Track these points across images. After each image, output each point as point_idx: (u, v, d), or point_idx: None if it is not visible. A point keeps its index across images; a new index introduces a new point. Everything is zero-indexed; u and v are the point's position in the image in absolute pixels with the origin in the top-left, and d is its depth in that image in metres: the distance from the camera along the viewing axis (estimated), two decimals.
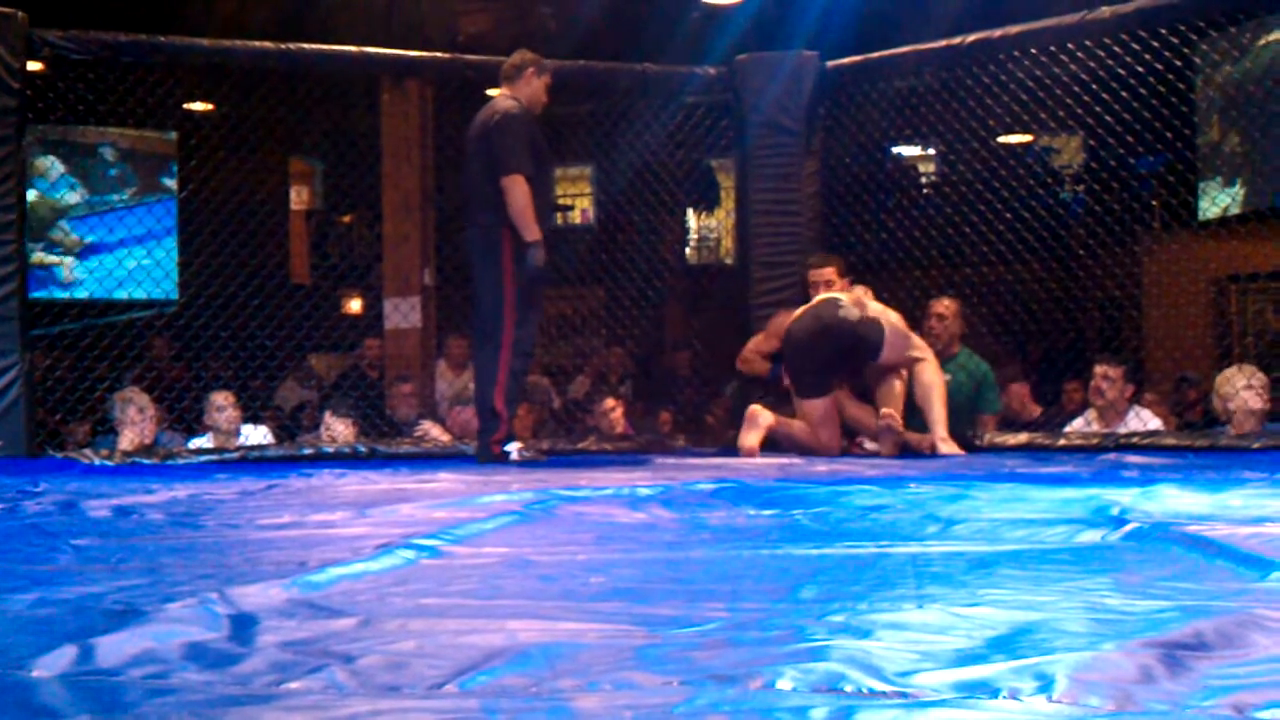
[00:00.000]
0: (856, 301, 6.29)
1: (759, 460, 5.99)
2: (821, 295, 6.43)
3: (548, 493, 3.75)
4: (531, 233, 5.72)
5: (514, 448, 5.82)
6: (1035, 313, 7.97)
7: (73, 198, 7.01)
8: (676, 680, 1.46)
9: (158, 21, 7.53)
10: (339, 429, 6.90)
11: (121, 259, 7.13)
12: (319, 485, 4.68)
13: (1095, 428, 6.54)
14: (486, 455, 5.86)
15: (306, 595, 2.07)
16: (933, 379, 6.23)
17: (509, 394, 5.84)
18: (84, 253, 7.04)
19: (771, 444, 6.39)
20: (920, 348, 6.32)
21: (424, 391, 8.23)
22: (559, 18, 10.73)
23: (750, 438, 6.30)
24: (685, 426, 7.93)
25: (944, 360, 6.86)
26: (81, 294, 7.11)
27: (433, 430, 7.31)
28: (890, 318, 6.29)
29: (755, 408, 6.43)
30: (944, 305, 6.93)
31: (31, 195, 6.74)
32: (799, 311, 6.45)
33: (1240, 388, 6.08)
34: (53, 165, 6.96)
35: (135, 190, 7.19)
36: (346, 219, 12.37)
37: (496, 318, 5.82)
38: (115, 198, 7.13)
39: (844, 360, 6.21)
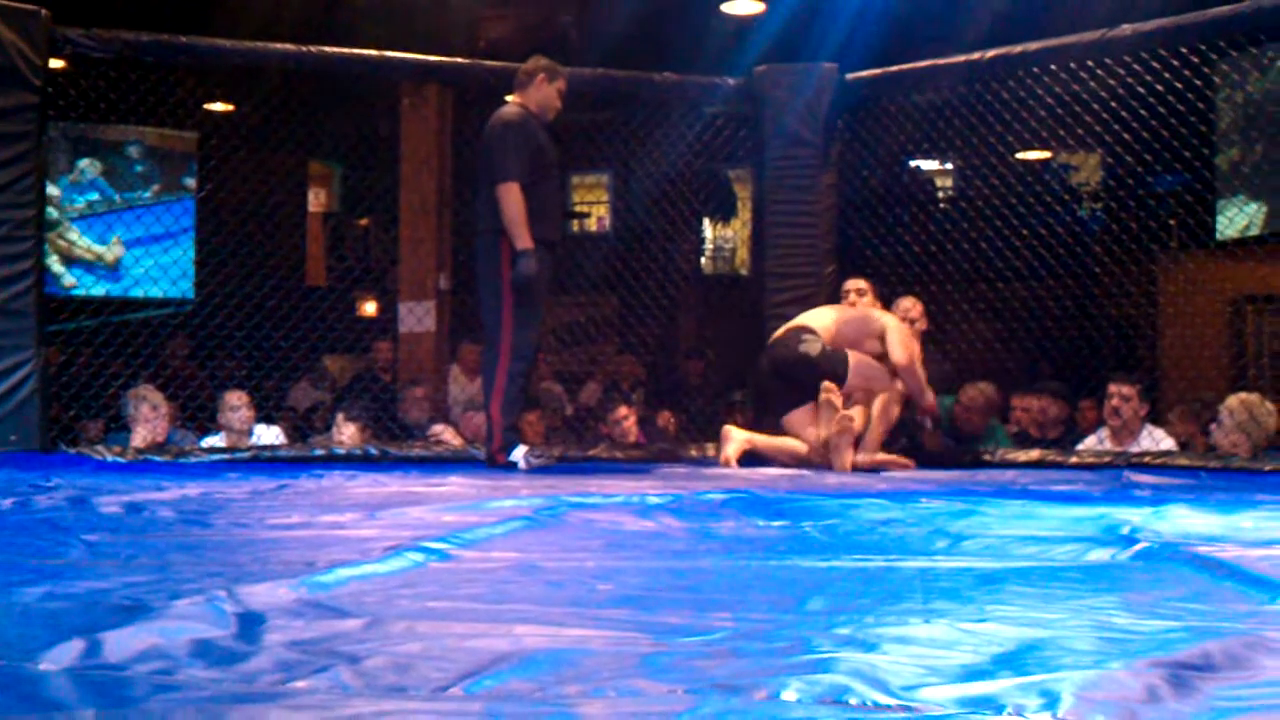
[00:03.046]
0: (844, 323, 6.36)
1: (773, 471, 5.99)
2: (793, 324, 6.48)
3: (557, 499, 3.76)
4: (522, 241, 5.74)
5: (521, 454, 5.82)
6: (1050, 330, 7.93)
7: (95, 198, 7.03)
8: (681, 689, 1.46)
9: (187, 23, 7.55)
10: (348, 431, 6.92)
11: (139, 257, 7.17)
12: (329, 486, 4.69)
13: (1109, 446, 6.52)
14: (493, 462, 5.88)
15: (314, 595, 2.07)
16: (887, 406, 6.29)
17: (507, 398, 5.85)
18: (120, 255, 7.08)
19: (761, 459, 6.40)
20: (886, 380, 6.33)
21: (436, 396, 8.24)
22: (581, 27, 10.74)
23: (728, 449, 6.34)
24: (696, 436, 7.92)
25: None
26: (99, 291, 7.13)
27: (445, 434, 7.32)
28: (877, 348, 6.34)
29: (727, 428, 6.53)
30: (905, 306, 6.95)
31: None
32: (773, 337, 6.55)
33: (1243, 418, 6.09)
34: (85, 169, 6.99)
35: (158, 188, 7.22)
36: (363, 222, 12.40)
37: (496, 324, 5.86)
38: (137, 195, 7.16)
39: (806, 388, 6.23)
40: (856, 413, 6.23)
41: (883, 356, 6.39)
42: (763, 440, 6.44)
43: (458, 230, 8.86)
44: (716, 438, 7.51)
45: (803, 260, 7.32)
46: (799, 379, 6.25)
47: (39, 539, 2.91)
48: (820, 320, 6.45)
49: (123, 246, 7.09)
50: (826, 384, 6.11)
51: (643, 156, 8.16)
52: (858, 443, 6.18)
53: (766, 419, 6.64)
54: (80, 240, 7.02)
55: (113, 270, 7.11)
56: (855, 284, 6.92)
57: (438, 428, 7.39)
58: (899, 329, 6.45)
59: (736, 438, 6.41)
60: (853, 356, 6.27)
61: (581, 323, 10.13)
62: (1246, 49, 6.51)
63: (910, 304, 6.92)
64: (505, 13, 10.87)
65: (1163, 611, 2.01)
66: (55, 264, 6.88)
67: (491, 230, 5.87)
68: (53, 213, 6.84)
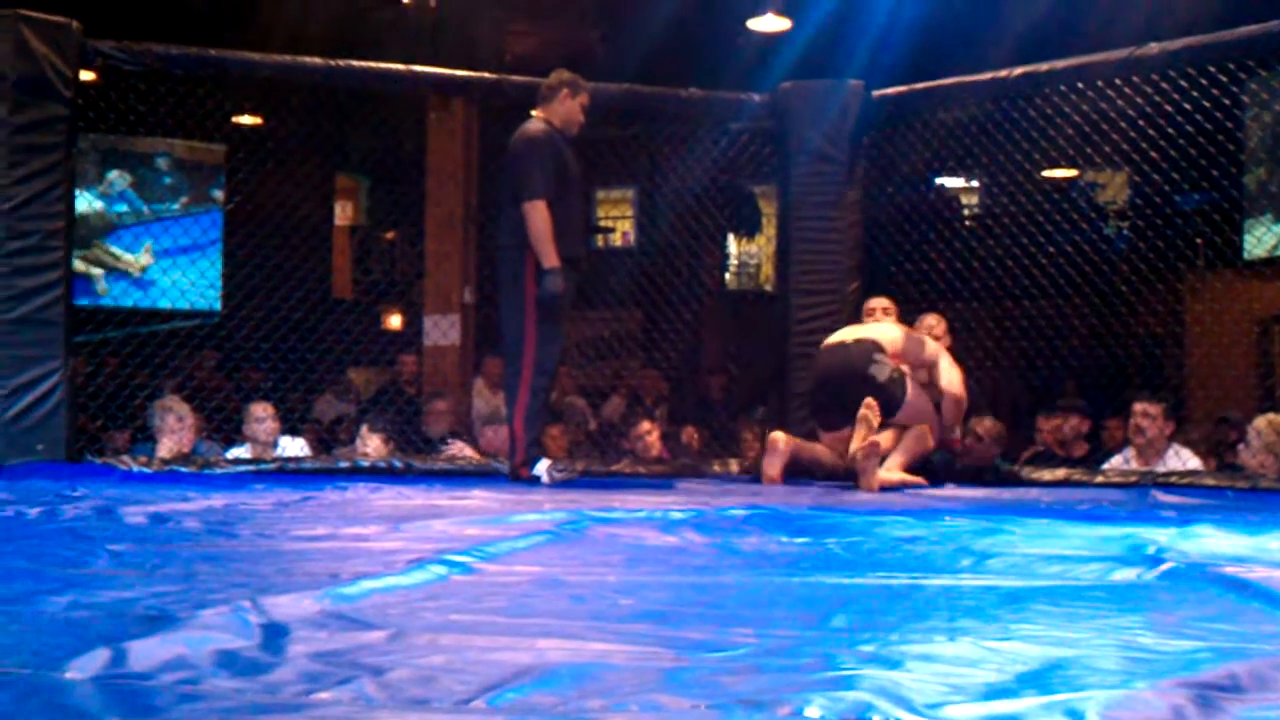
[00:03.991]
0: (906, 346, 6.30)
1: (796, 488, 5.96)
2: (861, 333, 6.41)
3: (580, 513, 3.76)
4: (549, 259, 5.74)
5: (544, 468, 5.81)
6: (1077, 348, 7.90)
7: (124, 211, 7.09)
8: (704, 704, 1.46)
9: (216, 36, 7.61)
10: (373, 442, 6.93)
11: (166, 269, 7.22)
12: (354, 499, 4.70)
13: (1134, 465, 6.49)
14: (516, 476, 5.88)
15: (338, 607, 2.08)
16: (922, 436, 6.26)
17: (529, 413, 5.84)
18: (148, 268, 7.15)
19: (797, 468, 6.36)
20: (931, 420, 6.31)
21: (460, 409, 8.26)
22: (608, 42, 10.78)
23: (773, 466, 6.25)
24: (720, 451, 7.91)
25: None
26: (128, 302, 7.18)
27: (466, 450, 7.32)
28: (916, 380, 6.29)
29: (776, 435, 6.39)
30: (929, 323, 6.94)
31: (85, 205, 6.83)
32: (835, 339, 6.43)
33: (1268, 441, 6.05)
34: (115, 181, 7.05)
35: (186, 200, 7.27)
36: (389, 235, 12.45)
37: (519, 339, 5.85)
38: (166, 207, 7.22)
39: (859, 406, 6.13)
40: (886, 436, 6.18)
41: (926, 385, 6.36)
42: (805, 452, 6.38)
43: (482, 244, 8.89)
44: (739, 454, 7.51)
45: (827, 277, 7.30)
46: (857, 398, 6.04)
47: (65, 548, 2.93)
48: (888, 336, 6.32)
49: (152, 255, 7.14)
50: (869, 400, 6.02)
51: (668, 172, 8.16)
52: (883, 460, 6.13)
53: (810, 422, 6.57)
54: (109, 248, 7.08)
55: (140, 278, 7.16)
56: (880, 302, 6.87)
57: (457, 445, 7.39)
58: (951, 363, 6.46)
59: (782, 449, 6.27)
60: (910, 393, 6.19)
61: (606, 337, 10.13)
62: (1275, 68, 6.49)
63: (935, 320, 6.91)
64: (532, 28, 10.93)
65: (1189, 632, 1.99)
66: (91, 268, 6.93)
67: (515, 245, 5.87)
68: (105, 208, 6.93)
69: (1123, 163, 8.72)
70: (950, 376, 6.39)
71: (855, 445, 5.96)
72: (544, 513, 3.84)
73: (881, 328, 6.46)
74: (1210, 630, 2.02)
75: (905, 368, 6.25)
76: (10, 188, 6.19)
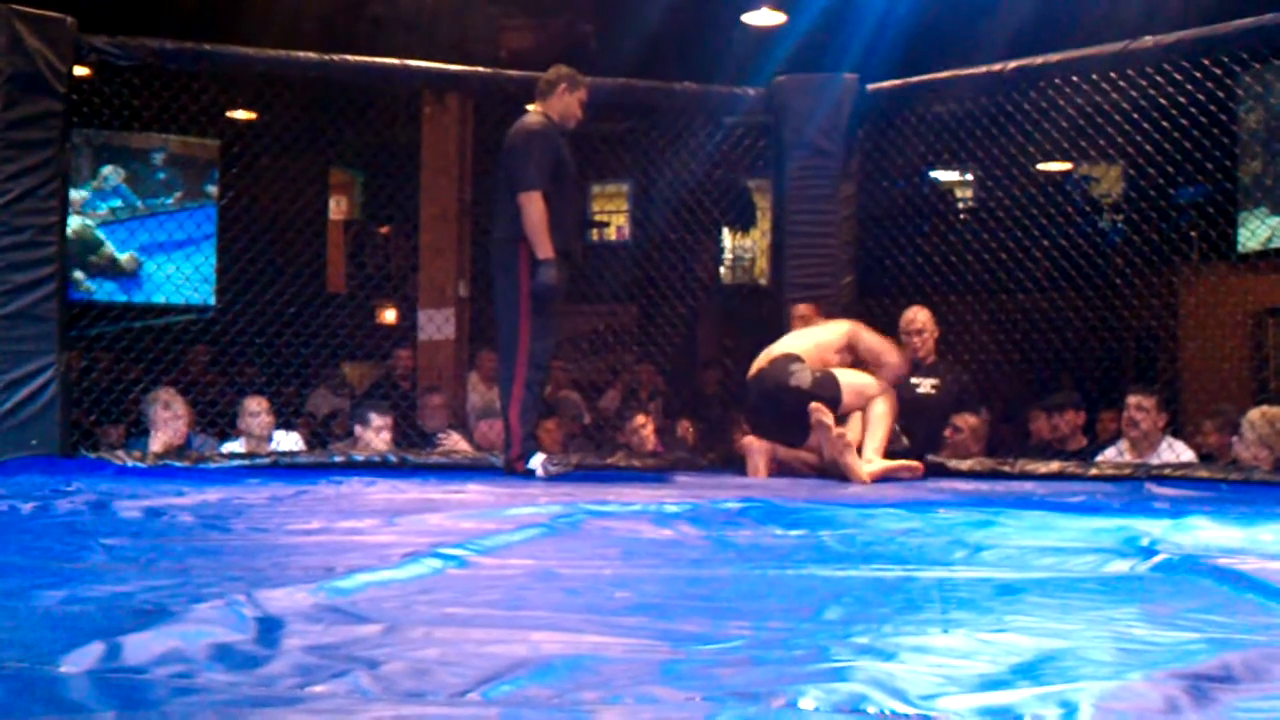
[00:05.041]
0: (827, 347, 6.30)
1: (791, 480, 5.96)
2: (775, 351, 6.40)
3: (575, 507, 3.76)
4: (544, 250, 5.74)
5: (539, 462, 5.81)
6: (1071, 342, 7.90)
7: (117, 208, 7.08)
8: (699, 696, 1.46)
9: (210, 31, 7.59)
10: (377, 423, 6.91)
11: (161, 264, 7.21)
12: (348, 492, 4.70)
13: (1128, 458, 6.50)
14: (511, 470, 5.89)
15: (333, 600, 2.08)
16: (882, 410, 6.21)
17: (524, 406, 5.85)
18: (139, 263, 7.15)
19: (783, 468, 6.36)
20: (878, 388, 6.26)
21: (455, 403, 8.25)
22: (602, 37, 10.76)
23: (757, 463, 6.25)
24: (715, 444, 7.91)
25: (928, 370, 6.88)
26: (122, 298, 7.17)
27: (462, 443, 7.32)
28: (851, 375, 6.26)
29: (748, 440, 6.40)
30: (919, 320, 6.91)
31: (75, 223, 6.81)
32: (756, 366, 6.42)
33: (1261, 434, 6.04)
34: (109, 177, 7.04)
35: (181, 195, 7.27)
36: (384, 230, 12.43)
37: (512, 332, 5.86)
38: (160, 202, 7.21)
39: (802, 417, 6.10)
40: (853, 424, 6.17)
41: (858, 364, 6.35)
42: (783, 450, 6.39)
43: (477, 238, 8.88)
44: (734, 447, 7.49)
45: (822, 271, 7.31)
46: (797, 412, 6.08)
47: (60, 543, 2.93)
48: (801, 344, 6.36)
49: (137, 260, 7.14)
50: (814, 405, 6.01)
51: (663, 166, 8.16)
52: (861, 450, 6.12)
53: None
54: (100, 250, 7.08)
55: (130, 277, 7.15)
56: (800, 310, 6.91)
57: (453, 437, 7.38)
58: (873, 334, 6.47)
59: (763, 449, 6.29)
60: (843, 376, 6.18)
61: (601, 331, 10.13)
62: (1269, 61, 6.49)
63: (925, 318, 6.91)
64: (527, 23, 10.91)
65: (1182, 623, 2.00)
66: (73, 270, 6.92)
67: (510, 239, 5.88)
68: (88, 224, 6.93)
69: (1117, 156, 8.72)
70: (872, 343, 6.40)
71: (826, 451, 6.00)
72: (539, 506, 3.84)
73: (792, 338, 6.51)
74: (1204, 621, 2.02)
75: (830, 360, 6.24)
76: (4, 183, 6.18)
